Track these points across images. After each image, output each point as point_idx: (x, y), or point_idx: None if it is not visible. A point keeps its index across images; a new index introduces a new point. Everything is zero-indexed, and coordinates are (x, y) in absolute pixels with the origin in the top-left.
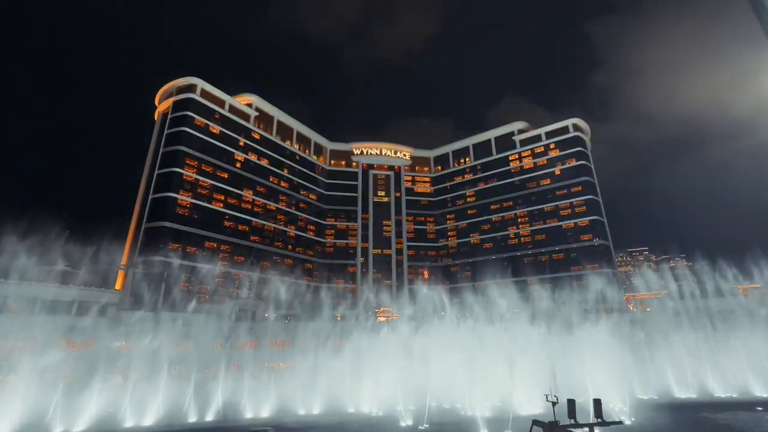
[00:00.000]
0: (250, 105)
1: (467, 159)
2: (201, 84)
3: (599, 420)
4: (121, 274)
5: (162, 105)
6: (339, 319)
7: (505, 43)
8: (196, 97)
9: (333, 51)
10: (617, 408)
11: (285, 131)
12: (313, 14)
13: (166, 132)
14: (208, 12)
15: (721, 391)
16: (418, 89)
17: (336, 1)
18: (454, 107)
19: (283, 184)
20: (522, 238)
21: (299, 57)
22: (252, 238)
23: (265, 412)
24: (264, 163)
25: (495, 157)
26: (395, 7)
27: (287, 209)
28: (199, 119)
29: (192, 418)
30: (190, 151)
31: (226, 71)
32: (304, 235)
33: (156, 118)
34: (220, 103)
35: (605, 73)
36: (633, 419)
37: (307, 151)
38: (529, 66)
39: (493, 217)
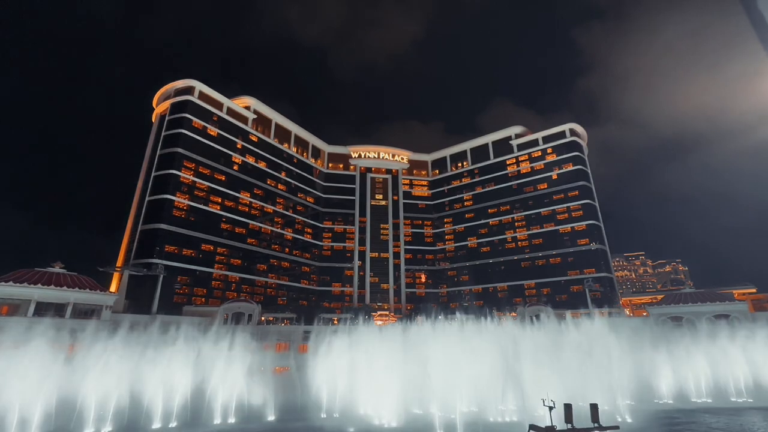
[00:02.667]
0: (248, 107)
1: (465, 163)
2: (199, 86)
3: (596, 425)
4: (116, 276)
5: (160, 107)
6: (336, 322)
7: (490, 48)
8: (194, 99)
9: (321, 56)
10: (617, 415)
11: (283, 134)
12: (301, 20)
13: (163, 134)
14: (201, 16)
15: (718, 396)
16: (407, 93)
17: (323, 6)
18: (443, 111)
19: (280, 186)
20: (519, 242)
21: (288, 62)
22: (249, 240)
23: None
24: (261, 165)
25: (492, 161)
26: (380, 11)
27: (284, 212)
28: (197, 121)
29: None
30: (188, 153)
31: (219, 75)
32: (302, 238)
33: (153, 121)
34: (218, 105)
35: (593, 78)
36: (630, 421)
37: (305, 153)
38: (516, 70)
39: (491, 221)
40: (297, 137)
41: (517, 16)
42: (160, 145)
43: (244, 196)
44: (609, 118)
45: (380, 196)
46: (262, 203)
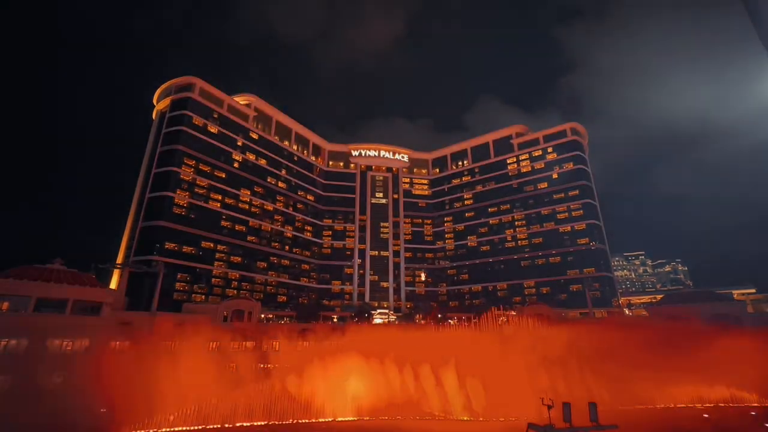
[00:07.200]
0: (248, 105)
1: (465, 162)
2: (200, 83)
3: (595, 423)
4: (116, 273)
5: (160, 104)
6: (335, 320)
7: (474, 45)
8: (195, 96)
9: (304, 54)
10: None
11: (283, 131)
12: (283, 18)
13: (163, 131)
14: (189, 14)
15: (718, 396)
16: (393, 91)
17: (306, 4)
18: (430, 109)
19: (280, 184)
20: (519, 242)
21: (272, 60)
22: (249, 238)
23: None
24: (262, 163)
25: (493, 160)
26: (361, 8)
27: (284, 210)
28: (198, 118)
29: None
30: (188, 150)
31: (211, 73)
32: (301, 235)
33: (154, 118)
34: (219, 102)
35: (582, 76)
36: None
37: (305, 151)
38: (501, 68)
39: (491, 220)
40: (297, 135)
41: (499, 14)
42: (160, 142)
43: (245, 194)
44: (602, 116)
45: (380, 194)
46: (262, 201)
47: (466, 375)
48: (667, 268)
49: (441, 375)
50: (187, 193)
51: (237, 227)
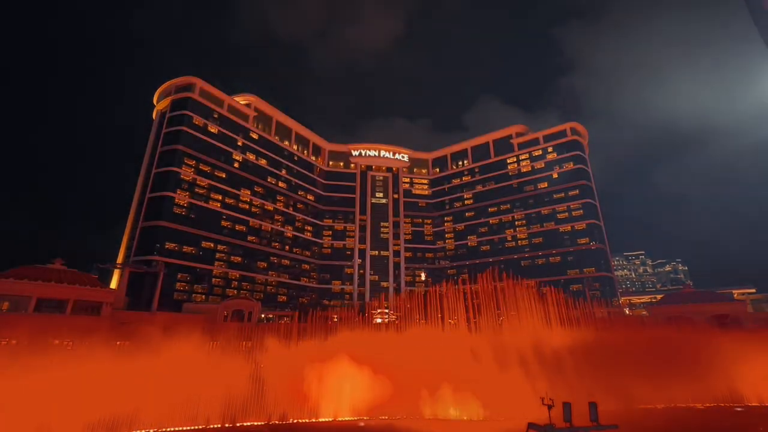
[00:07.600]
0: (248, 105)
1: (465, 161)
2: (200, 83)
3: (595, 423)
4: (117, 273)
5: (160, 104)
6: (335, 319)
7: (474, 45)
8: (195, 96)
9: (302, 54)
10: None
11: (283, 131)
12: (283, 18)
13: (164, 131)
14: (184, 14)
15: (719, 397)
16: (392, 91)
17: (304, 4)
18: (429, 108)
19: (281, 184)
20: (519, 241)
21: (269, 60)
22: (249, 238)
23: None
24: (262, 163)
25: (493, 160)
26: (359, 8)
27: (285, 210)
28: (198, 118)
29: None
30: (188, 150)
31: (211, 73)
32: (302, 235)
33: (154, 118)
34: (219, 102)
35: (581, 76)
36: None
37: (305, 151)
38: (500, 68)
39: (491, 220)
40: (297, 135)
41: (498, 14)
42: (160, 142)
43: (245, 194)
44: (602, 116)
45: (380, 194)
46: (262, 201)
47: (465, 375)
48: (667, 268)
49: (440, 374)
50: (188, 193)
51: (237, 227)
